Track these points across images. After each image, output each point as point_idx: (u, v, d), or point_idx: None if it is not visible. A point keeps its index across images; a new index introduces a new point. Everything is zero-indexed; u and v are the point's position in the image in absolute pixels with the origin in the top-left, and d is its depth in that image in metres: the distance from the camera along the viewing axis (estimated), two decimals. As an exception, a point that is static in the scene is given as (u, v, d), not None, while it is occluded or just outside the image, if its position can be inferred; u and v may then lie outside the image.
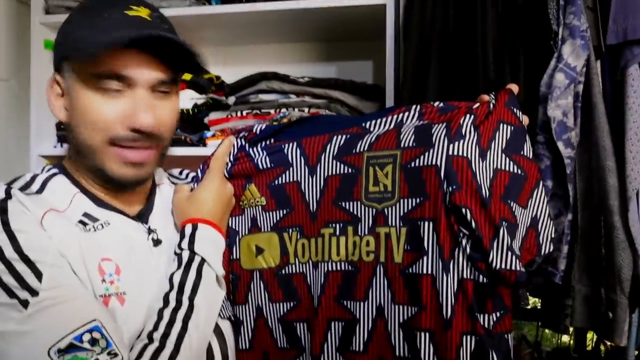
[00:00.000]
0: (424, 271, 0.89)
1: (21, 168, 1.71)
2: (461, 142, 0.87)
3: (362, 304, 0.95)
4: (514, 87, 0.93)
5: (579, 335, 1.66)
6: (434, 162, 0.88)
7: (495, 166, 0.87)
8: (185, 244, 0.93)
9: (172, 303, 0.87)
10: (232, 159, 1.05)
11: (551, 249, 0.92)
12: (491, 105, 0.90)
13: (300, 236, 1.00)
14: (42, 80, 1.18)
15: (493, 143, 0.88)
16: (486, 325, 0.86)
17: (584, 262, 1.17)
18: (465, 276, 0.86)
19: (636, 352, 1.21)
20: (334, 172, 0.98)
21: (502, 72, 1.20)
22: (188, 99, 1.62)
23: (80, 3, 0.97)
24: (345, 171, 0.97)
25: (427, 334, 0.89)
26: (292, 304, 1.01)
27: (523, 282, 0.87)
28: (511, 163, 0.89)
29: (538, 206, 0.91)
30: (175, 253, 0.93)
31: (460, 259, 0.87)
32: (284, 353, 1.03)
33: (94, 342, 0.77)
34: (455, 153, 0.86)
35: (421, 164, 0.90)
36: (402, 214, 0.91)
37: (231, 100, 1.66)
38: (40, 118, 1.70)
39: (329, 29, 1.71)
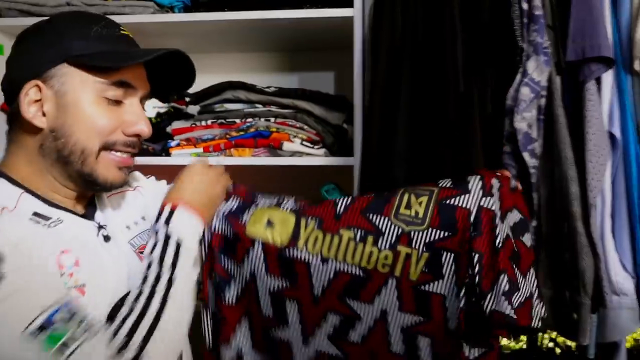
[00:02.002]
0: (437, 290, 1.00)
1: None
2: (491, 199, 1.00)
3: (367, 305, 1.03)
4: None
5: (531, 337, 1.73)
6: (467, 206, 1.00)
7: (507, 232, 1.00)
8: (161, 223, 0.95)
9: (152, 277, 0.90)
10: None
11: (539, 326, 1.01)
12: (512, 184, 1.05)
13: (318, 227, 1.05)
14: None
15: (508, 217, 1.02)
16: (469, 356, 1.00)
17: (548, 266, 1.23)
18: (462, 306, 0.98)
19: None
20: (369, 194, 1.08)
21: (471, 86, 1.24)
22: (150, 107, 1.59)
23: (54, 17, 0.97)
24: (382, 194, 1.07)
25: (429, 339, 1.02)
26: (286, 284, 1.07)
27: (512, 327, 0.98)
28: (513, 242, 1.01)
29: (532, 285, 1.03)
30: (154, 231, 0.95)
31: (466, 291, 0.98)
32: (265, 319, 1.08)
33: (67, 320, 0.78)
34: (485, 205, 0.99)
35: (457, 203, 1.01)
36: (427, 241, 1.01)
37: (193, 109, 1.64)
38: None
39: (293, 40, 1.73)
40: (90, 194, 1.01)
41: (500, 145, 1.23)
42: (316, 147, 1.51)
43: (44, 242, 0.86)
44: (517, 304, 0.97)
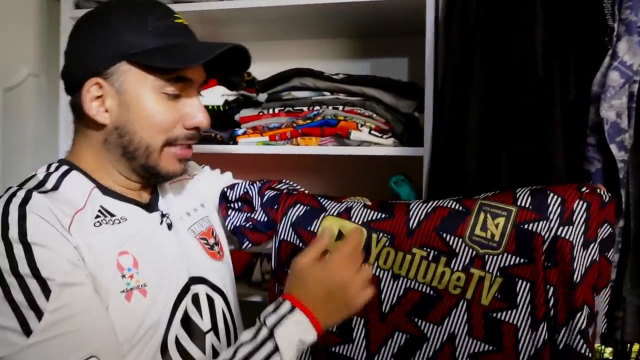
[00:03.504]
0: (510, 320, 0.98)
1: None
2: (570, 228, 0.96)
3: (435, 326, 1.02)
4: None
5: (623, 348, 1.59)
6: (544, 234, 0.97)
7: (594, 257, 0.96)
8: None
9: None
10: None
11: (599, 342, 1.02)
12: (604, 197, 0.99)
13: (389, 244, 1.05)
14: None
15: (597, 238, 0.97)
16: None
17: (637, 272, 1.11)
18: (546, 338, 0.96)
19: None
20: (444, 205, 1.05)
21: (552, 70, 1.14)
22: (219, 95, 1.59)
23: (106, 6, 0.96)
24: (456, 207, 1.04)
25: None
26: None
27: None
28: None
29: (602, 303, 1.00)
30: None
31: (548, 323, 0.96)
32: (327, 335, 1.05)
33: None
34: (562, 235, 0.96)
35: (535, 230, 0.98)
36: (502, 265, 0.99)
37: (262, 97, 1.62)
38: (69, 114, 1.67)
39: (364, 25, 1.66)
40: (153, 183, 1.02)
41: (584, 137, 1.12)
42: (385, 136, 1.45)
43: (104, 247, 0.86)
44: (591, 334, 0.95)
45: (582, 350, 0.93)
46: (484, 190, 1.09)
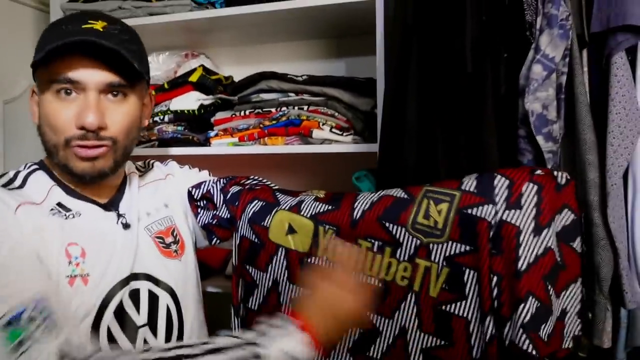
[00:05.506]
0: (460, 313, 0.93)
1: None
2: (517, 212, 0.89)
3: (387, 320, 0.98)
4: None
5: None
6: (489, 219, 0.90)
7: (547, 245, 0.88)
8: (264, 341, 0.82)
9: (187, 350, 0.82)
10: None
11: (570, 345, 0.91)
12: (560, 179, 0.92)
13: (336, 237, 1.02)
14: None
15: (552, 223, 0.89)
16: None
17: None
18: (494, 333, 0.89)
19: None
20: (389, 194, 1.02)
21: (483, 65, 1.16)
22: (194, 99, 1.67)
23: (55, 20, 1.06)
24: (400, 196, 1.00)
25: None
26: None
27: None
28: (557, 250, 0.90)
29: (570, 300, 0.91)
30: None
31: (494, 316, 0.89)
32: None
33: (31, 319, 0.82)
34: (508, 220, 0.89)
35: (479, 214, 0.91)
36: (447, 254, 0.93)
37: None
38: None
39: (336, 26, 1.71)
40: (113, 184, 1.09)
41: (516, 129, 1.14)
42: (345, 134, 1.50)
43: (56, 236, 0.95)
44: (547, 332, 0.87)
45: (525, 347, 0.85)
46: (422, 183, 1.13)
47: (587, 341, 1.08)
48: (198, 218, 1.21)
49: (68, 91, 0.96)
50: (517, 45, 1.15)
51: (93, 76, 0.95)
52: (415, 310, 0.96)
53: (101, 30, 0.95)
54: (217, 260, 1.72)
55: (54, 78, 0.95)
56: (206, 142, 1.68)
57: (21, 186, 1.00)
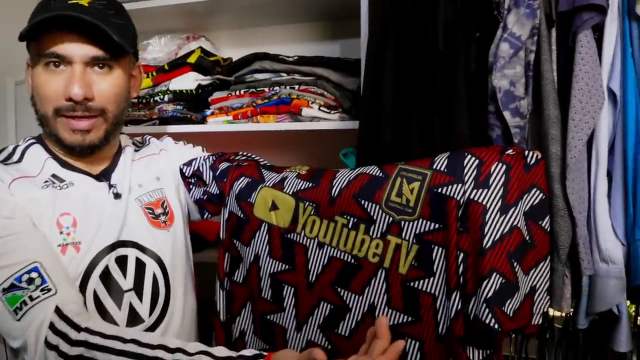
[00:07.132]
0: (427, 289, 0.95)
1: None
2: (485, 191, 0.91)
3: (356, 296, 1.01)
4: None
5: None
6: (458, 198, 0.93)
7: (513, 223, 0.90)
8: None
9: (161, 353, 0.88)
10: None
11: (540, 322, 0.94)
12: (529, 159, 0.94)
13: (314, 213, 1.06)
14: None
15: (519, 203, 0.92)
16: (472, 358, 0.93)
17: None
18: (460, 309, 0.92)
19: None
20: (367, 171, 1.06)
21: (455, 44, 1.21)
22: (192, 80, 1.75)
23: None
24: (377, 174, 1.04)
25: (417, 343, 0.96)
26: (286, 267, 1.09)
27: (496, 335, 0.90)
28: (526, 229, 0.93)
29: (540, 277, 0.95)
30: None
31: (460, 292, 0.92)
32: (263, 303, 1.12)
33: (30, 281, 0.91)
34: (475, 199, 0.91)
35: (448, 193, 0.94)
36: (417, 232, 0.96)
37: (234, 80, 1.77)
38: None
39: (327, 9, 1.76)
40: (106, 156, 1.15)
41: (486, 105, 1.19)
42: (333, 112, 1.56)
43: (49, 207, 1.02)
44: (513, 308, 0.89)
45: (488, 321, 0.87)
46: (398, 161, 1.19)
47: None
48: (190, 193, 1.27)
49: (56, 64, 1.01)
50: (488, 24, 1.20)
51: (78, 50, 1.01)
52: (384, 286, 0.98)
53: (86, 5, 1.00)
54: (212, 233, 1.80)
55: (43, 52, 1.01)
56: (203, 120, 1.75)
57: (19, 160, 1.08)
